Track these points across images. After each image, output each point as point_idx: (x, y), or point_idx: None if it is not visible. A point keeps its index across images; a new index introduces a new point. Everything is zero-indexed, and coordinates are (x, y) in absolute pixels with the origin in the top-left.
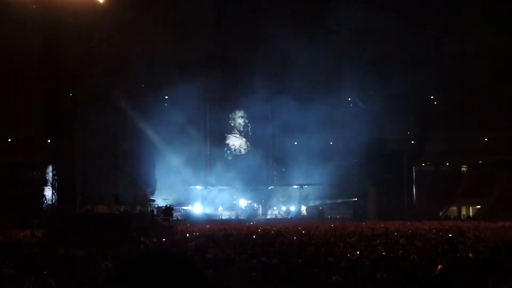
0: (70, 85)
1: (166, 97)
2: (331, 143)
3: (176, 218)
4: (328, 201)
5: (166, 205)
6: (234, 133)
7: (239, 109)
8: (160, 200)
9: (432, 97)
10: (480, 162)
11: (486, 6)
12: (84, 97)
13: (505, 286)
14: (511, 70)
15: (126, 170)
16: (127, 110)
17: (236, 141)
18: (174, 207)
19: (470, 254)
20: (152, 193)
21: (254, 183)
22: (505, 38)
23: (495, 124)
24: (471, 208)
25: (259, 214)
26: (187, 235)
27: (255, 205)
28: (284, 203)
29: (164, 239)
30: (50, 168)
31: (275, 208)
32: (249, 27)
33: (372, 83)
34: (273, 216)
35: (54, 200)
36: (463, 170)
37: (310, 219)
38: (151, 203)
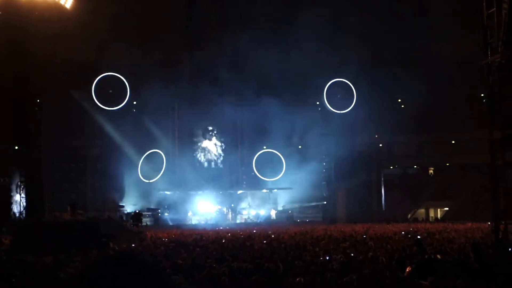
0: (37, 91)
1: (135, 102)
2: (300, 147)
3: (145, 224)
4: (297, 205)
5: (135, 211)
6: (203, 138)
7: (208, 114)
8: (130, 206)
9: (399, 100)
10: (448, 164)
11: (453, 9)
12: (51, 104)
13: (472, 287)
14: (477, 73)
15: (94, 176)
16: (95, 116)
17: (205, 146)
18: (143, 213)
19: (438, 256)
20: (121, 199)
21: (223, 188)
22: (472, 40)
23: (462, 127)
24: (439, 210)
25: (229, 219)
26: (156, 241)
27: (225, 209)
28: (253, 207)
29: (133, 245)
30: (17, 175)
31: (244, 212)
32: (217, 30)
33: (341, 87)
34: (243, 221)
35: (22, 207)
36: (431, 173)
37: (280, 223)
38: (120, 209)
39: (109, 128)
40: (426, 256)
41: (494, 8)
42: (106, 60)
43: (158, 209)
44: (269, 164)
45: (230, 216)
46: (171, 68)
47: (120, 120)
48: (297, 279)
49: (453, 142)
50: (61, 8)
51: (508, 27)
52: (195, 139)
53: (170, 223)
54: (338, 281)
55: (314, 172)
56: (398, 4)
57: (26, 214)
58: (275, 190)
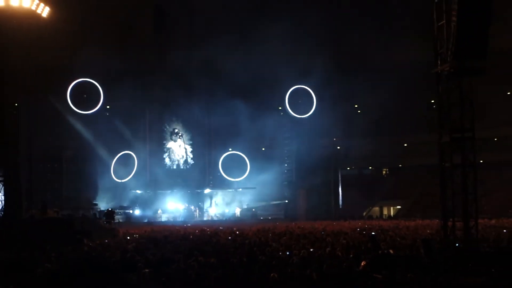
0: (14, 95)
1: (108, 106)
2: (263, 149)
3: (117, 221)
4: (261, 204)
5: (108, 209)
6: (173, 140)
7: (178, 117)
8: (103, 204)
9: (356, 106)
10: (400, 165)
11: (410, 20)
12: (28, 107)
13: (422, 280)
14: (429, 78)
15: (69, 176)
16: (70, 119)
17: (174, 148)
18: (116, 211)
19: (391, 251)
20: (95, 198)
21: (191, 187)
22: (426, 50)
23: (414, 131)
24: (392, 208)
25: (196, 216)
26: (128, 237)
27: (192, 207)
28: (219, 205)
29: (106, 240)
30: None
31: (211, 210)
32: (186, 36)
33: (303, 93)
34: (209, 218)
35: (0, 206)
36: (384, 173)
37: (244, 220)
38: (94, 207)
39: (83, 131)
40: (379, 252)
41: (444, 21)
42: (81, 66)
43: (129, 207)
44: (235, 165)
45: (197, 213)
46: (142, 73)
47: (94, 123)
48: (271, 275)
49: (405, 145)
50: (38, 16)
51: (456, 38)
52: (165, 142)
53: (141, 221)
54: (299, 275)
55: (276, 173)
56: (359, 14)
57: (3, 212)
58: (240, 189)
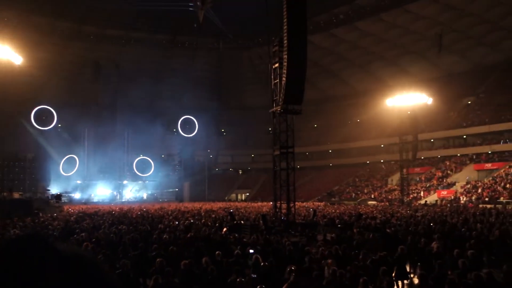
0: None
1: (59, 125)
2: (162, 155)
3: (63, 201)
4: (160, 190)
5: (57, 193)
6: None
7: (106, 133)
8: (53, 190)
9: (222, 130)
10: (249, 168)
11: (256, 76)
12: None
13: (259, 239)
14: (268, 115)
15: (31, 171)
16: (33, 132)
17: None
18: (62, 194)
19: (242, 222)
20: (48, 185)
21: (114, 179)
22: (266, 95)
23: (258, 147)
24: (243, 194)
25: (117, 199)
26: (71, 210)
27: (115, 192)
28: (133, 191)
29: (55, 214)
30: None
31: (127, 195)
32: (115, 82)
33: (189, 121)
34: (126, 200)
35: None
36: (239, 173)
37: (149, 201)
38: (47, 191)
39: (41, 140)
40: (235, 222)
41: (277, 80)
42: (42, 97)
43: (72, 192)
44: (144, 165)
45: (118, 197)
46: (84, 104)
47: (49, 136)
48: (164, 236)
49: (252, 155)
50: (13, 64)
51: (285, 91)
52: (98, 150)
53: (80, 201)
54: (183, 237)
55: (171, 171)
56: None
57: None
58: (147, 181)
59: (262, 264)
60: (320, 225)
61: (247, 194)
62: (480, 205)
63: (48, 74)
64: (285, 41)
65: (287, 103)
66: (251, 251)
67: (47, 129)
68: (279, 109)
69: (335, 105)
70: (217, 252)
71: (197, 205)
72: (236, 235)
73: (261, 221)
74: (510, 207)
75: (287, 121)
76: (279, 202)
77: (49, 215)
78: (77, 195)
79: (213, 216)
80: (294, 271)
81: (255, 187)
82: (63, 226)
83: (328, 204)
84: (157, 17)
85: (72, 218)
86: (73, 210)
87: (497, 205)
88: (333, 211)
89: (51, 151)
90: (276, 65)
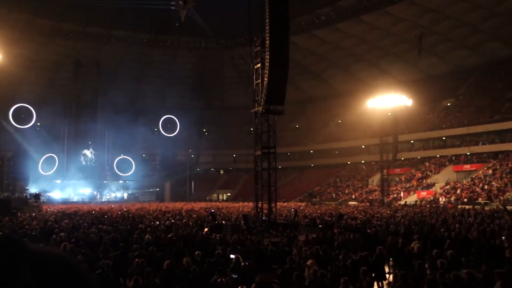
0: None
1: (38, 123)
2: (143, 155)
3: (42, 201)
4: (141, 190)
5: (36, 192)
6: (85, 148)
7: (87, 132)
8: (32, 189)
9: (204, 130)
10: (231, 168)
11: (238, 77)
12: None
13: (246, 240)
14: (249, 115)
15: (9, 170)
16: (10, 130)
17: (88, 154)
18: (41, 194)
19: (223, 222)
20: (26, 185)
21: (94, 178)
22: (248, 96)
23: (240, 147)
24: (225, 194)
25: (97, 198)
26: (49, 210)
27: (95, 192)
28: (113, 191)
29: (33, 214)
30: None
31: (107, 194)
32: (95, 80)
33: (171, 120)
34: (106, 200)
35: None
36: (221, 173)
37: (129, 201)
38: (26, 190)
39: (20, 139)
40: (216, 222)
41: (259, 80)
42: (20, 95)
43: (51, 191)
44: (125, 165)
45: (98, 196)
46: (64, 104)
47: (28, 134)
48: (146, 237)
49: (234, 155)
50: None
51: (266, 92)
52: (78, 149)
53: (59, 201)
54: (164, 237)
55: (151, 170)
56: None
57: None
58: (127, 181)
59: (242, 264)
60: (301, 225)
61: (229, 194)
62: (459, 206)
63: (27, 71)
64: (267, 41)
65: (269, 103)
66: (232, 256)
67: (26, 128)
68: (261, 109)
69: (316, 105)
70: (196, 252)
71: (178, 205)
72: (219, 235)
73: (242, 221)
74: (488, 208)
75: (268, 122)
76: (260, 203)
77: (28, 214)
78: (56, 195)
79: (194, 216)
80: (268, 272)
81: (236, 187)
82: (42, 226)
83: (310, 204)
84: (139, 15)
85: (51, 217)
86: (52, 210)
87: (475, 206)
88: (314, 211)
89: (30, 149)
90: (258, 65)
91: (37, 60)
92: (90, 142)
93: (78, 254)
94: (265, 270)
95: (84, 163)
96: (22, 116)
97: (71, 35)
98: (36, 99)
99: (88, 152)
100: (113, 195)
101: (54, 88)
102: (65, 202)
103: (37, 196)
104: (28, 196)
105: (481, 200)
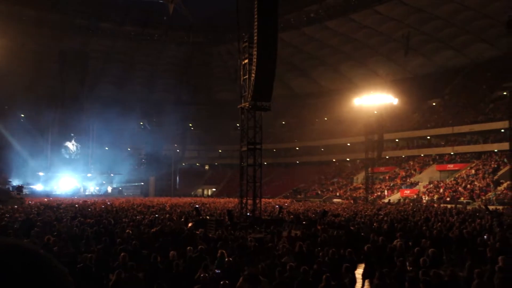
0: None
1: (22, 115)
2: (128, 149)
3: (25, 193)
4: (125, 184)
5: (19, 185)
6: (67, 141)
7: (72, 126)
8: (15, 181)
9: (190, 124)
10: (216, 163)
11: (226, 72)
12: None
13: (229, 235)
14: (236, 110)
15: None
16: None
17: (70, 146)
18: (24, 186)
19: (208, 217)
20: (9, 177)
21: (78, 172)
22: (235, 91)
23: (225, 143)
24: (210, 190)
25: (81, 192)
26: (32, 203)
27: (79, 185)
28: (97, 185)
29: (16, 206)
30: None
31: (91, 188)
32: (81, 73)
33: (158, 114)
34: (90, 193)
35: None
36: (206, 168)
37: (113, 195)
38: (8, 183)
39: (3, 130)
40: (200, 217)
41: (246, 76)
42: (6, 85)
43: (34, 183)
44: (111, 160)
45: (82, 190)
46: (50, 93)
47: (12, 126)
48: (126, 231)
49: (220, 151)
50: None
51: (253, 88)
52: (62, 142)
53: (42, 193)
54: (147, 232)
55: (137, 164)
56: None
57: None
58: (112, 174)
59: (226, 259)
60: (285, 221)
61: (214, 189)
62: (442, 205)
63: (11, 63)
64: (255, 37)
65: (256, 100)
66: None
67: (10, 120)
68: (247, 105)
69: (304, 103)
70: (188, 248)
71: (162, 199)
72: (202, 229)
73: (227, 217)
74: (470, 207)
75: (255, 118)
76: (245, 198)
77: (10, 207)
78: (39, 187)
79: (179, 210)
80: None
81: (221, 182)
82: (24, 218)
83: (294, 201)
84: (126, 8)
85: (34, 210)
86: (34, 202)
87: (457, 205)
88: (299, 208)
89: (14, 141)
90: (246, 61)
91: (23, 51)
92: (72, 134)
93: (61, 247)
94: (251, 264)
95: (66, 156)
96: (6, 107)
97: (57, 27)
98: (21, 91)
99: (70, 144)
100: (97, 188)
101: (39, 80)
102: (48, 195)
103: (19, 189)
104: (11, 188)
105: (463, 199)
